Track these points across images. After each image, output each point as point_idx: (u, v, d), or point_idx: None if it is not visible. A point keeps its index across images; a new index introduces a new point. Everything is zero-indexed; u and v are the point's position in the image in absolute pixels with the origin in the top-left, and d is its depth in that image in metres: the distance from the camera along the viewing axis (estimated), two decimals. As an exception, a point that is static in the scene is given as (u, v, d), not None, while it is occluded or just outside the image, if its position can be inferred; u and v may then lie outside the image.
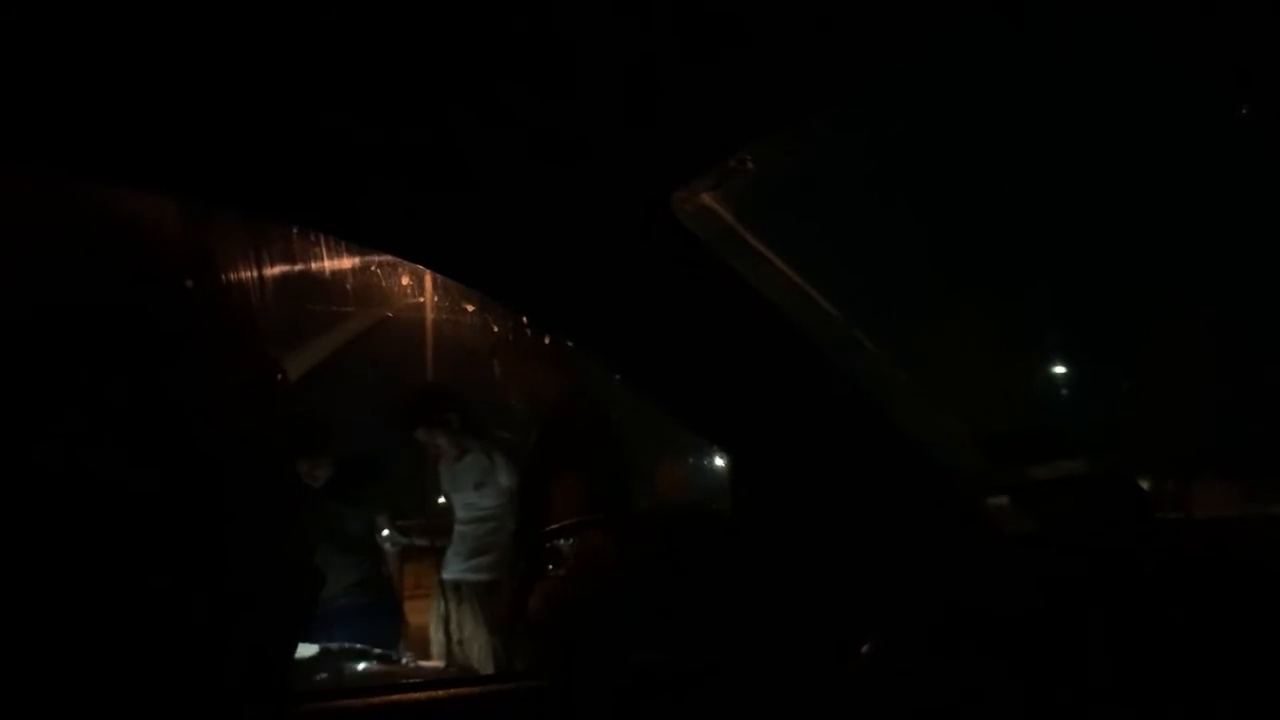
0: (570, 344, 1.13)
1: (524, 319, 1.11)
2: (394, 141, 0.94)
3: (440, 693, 1.24)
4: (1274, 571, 1.12)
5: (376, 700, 1.20)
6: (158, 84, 0.80)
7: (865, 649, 1.19)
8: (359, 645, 2.98)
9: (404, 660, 3.31)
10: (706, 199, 1.07)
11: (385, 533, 3.70)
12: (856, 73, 0.91)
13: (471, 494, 3.54)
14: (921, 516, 1.25)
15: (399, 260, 1.01)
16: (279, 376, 0.83)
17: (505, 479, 3.45)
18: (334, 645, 2.88)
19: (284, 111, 0.86)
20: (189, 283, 0.70)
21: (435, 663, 3.45)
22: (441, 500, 3.85)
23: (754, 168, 1.01)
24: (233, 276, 0.78)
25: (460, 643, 3.50)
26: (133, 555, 0.60)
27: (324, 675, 2.72)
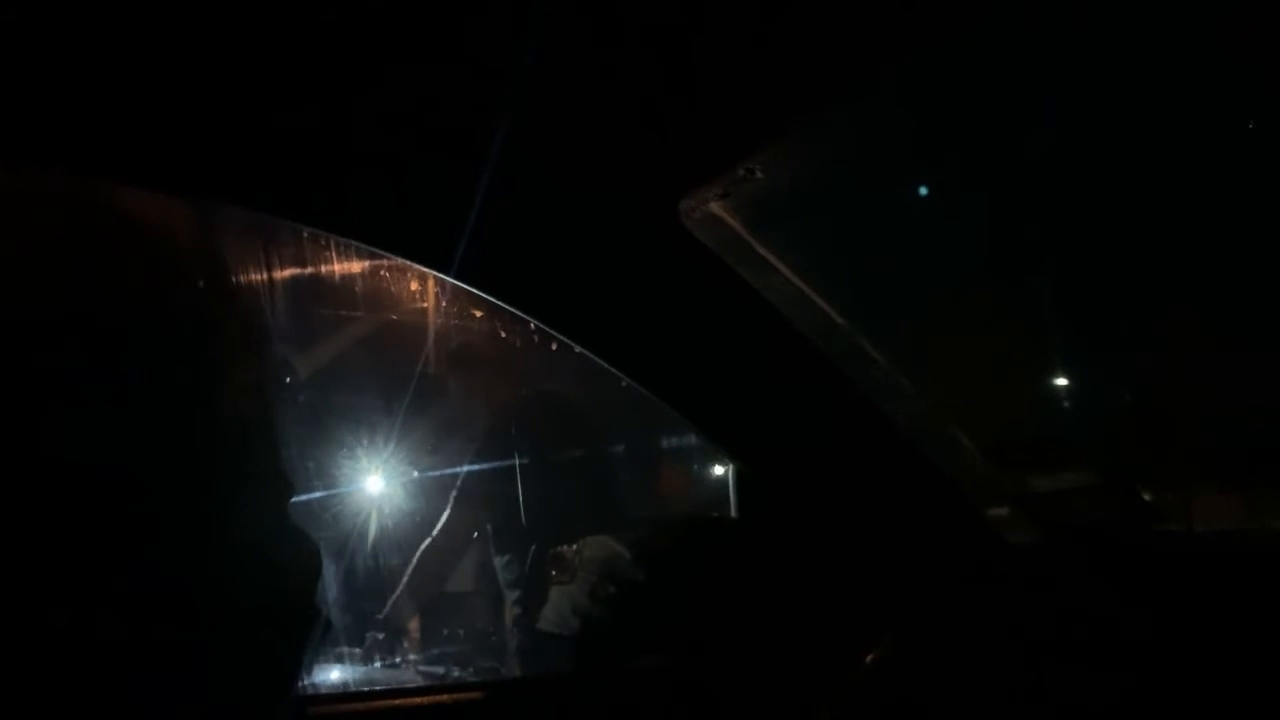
0: (578, 348, 1.13)
1: (532, 325, 1.12)
2: (405, 147, 0.94)
3: (445, 697, 1.25)
4: (1273, 581, 1.12)
5: (378, 704, 1.20)
6: (161, 85, 0.81)
7: (869, 655, 1.19)
8: (359, 648, 2.97)
9: (406, 663, 3.30)
10: (714, 207, 1.08)
11: None
12: (860, 74, 0.91)
13: None
14: (926, 524, 1.25)
15: (409, 265, 1.01)
16: (289, 378, 0.84)
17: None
18: (335, 647, 2.88)
19: (287, 112, 0.87)
20: (199, 282, 0.70)
21: (437, 666, 3.44)
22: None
23: (762, 177, 1.02)
24: (244, 277, 0.79)
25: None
26: (131, 556, 0.61)
27: (325, 678, 2.71)
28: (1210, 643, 1.06)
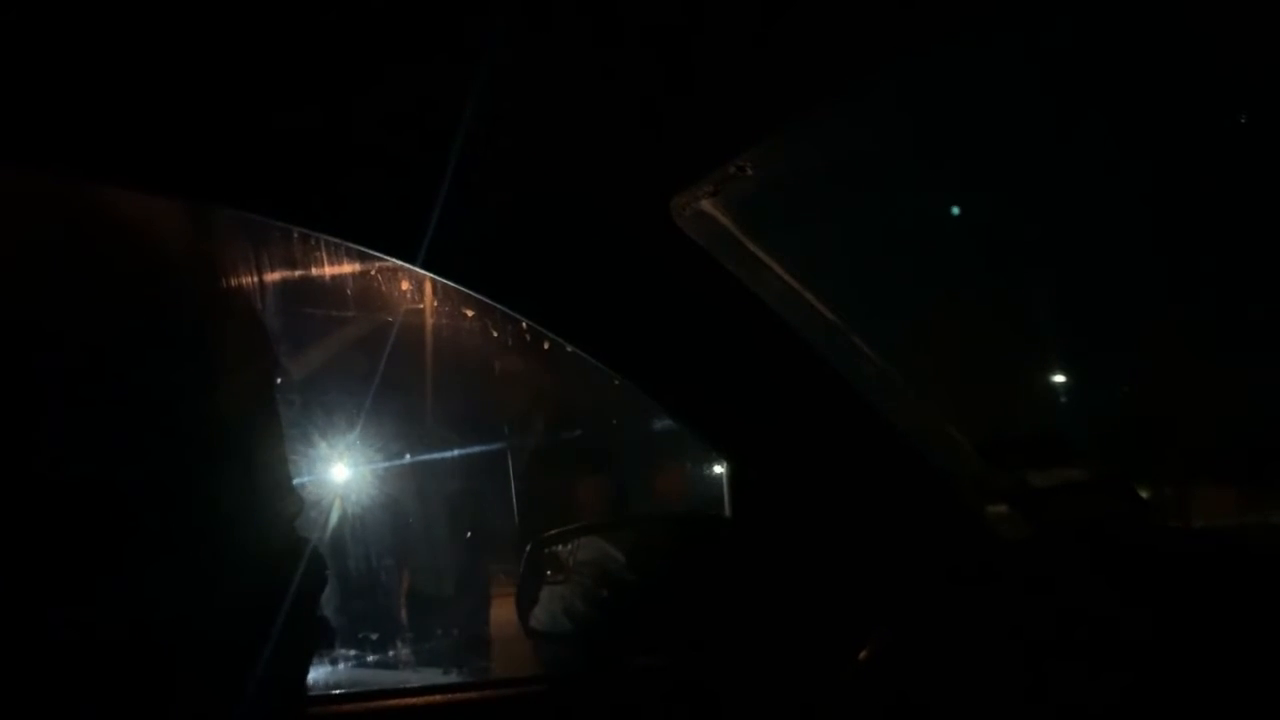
0: (570, 347, 1.13)
1: (524, 324, 1.11)
2: (395, 145, 0.94)
3: (439, 698, 1.24)
4: (1271, 578, 1.12)
5: (374, 704, 1.20)
6: (158, 84, 0.80)
7: (863, 653, 1.19)
8: (356, 650, 2.98)
9: (402, 664, 3.30)
10: (705, 204, 1.07)
11: None
12: (852, 73, 0.91)
13: None
14: (920, 521, 1.25)
15: (400, 265, 1.01)
16: (281, 379, 0.83)
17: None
18: (333, 649, 2.88)
19: (282, 111, 0.87)
20: (198, 286, 0.70)
21: (432, 667, 3.44)
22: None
23: (752, 174, 1.01)
24: (241, 280, 0.79)
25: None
26: (130, 559, 0.60)
27: (322, 679, 2.71)
28: (1210, 642, 1.06)
